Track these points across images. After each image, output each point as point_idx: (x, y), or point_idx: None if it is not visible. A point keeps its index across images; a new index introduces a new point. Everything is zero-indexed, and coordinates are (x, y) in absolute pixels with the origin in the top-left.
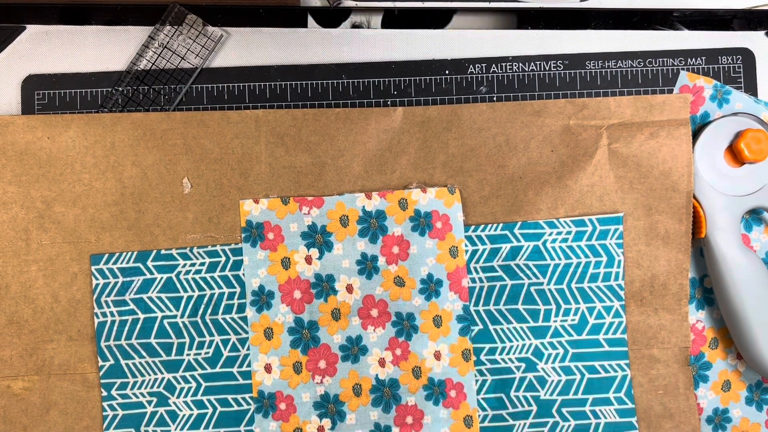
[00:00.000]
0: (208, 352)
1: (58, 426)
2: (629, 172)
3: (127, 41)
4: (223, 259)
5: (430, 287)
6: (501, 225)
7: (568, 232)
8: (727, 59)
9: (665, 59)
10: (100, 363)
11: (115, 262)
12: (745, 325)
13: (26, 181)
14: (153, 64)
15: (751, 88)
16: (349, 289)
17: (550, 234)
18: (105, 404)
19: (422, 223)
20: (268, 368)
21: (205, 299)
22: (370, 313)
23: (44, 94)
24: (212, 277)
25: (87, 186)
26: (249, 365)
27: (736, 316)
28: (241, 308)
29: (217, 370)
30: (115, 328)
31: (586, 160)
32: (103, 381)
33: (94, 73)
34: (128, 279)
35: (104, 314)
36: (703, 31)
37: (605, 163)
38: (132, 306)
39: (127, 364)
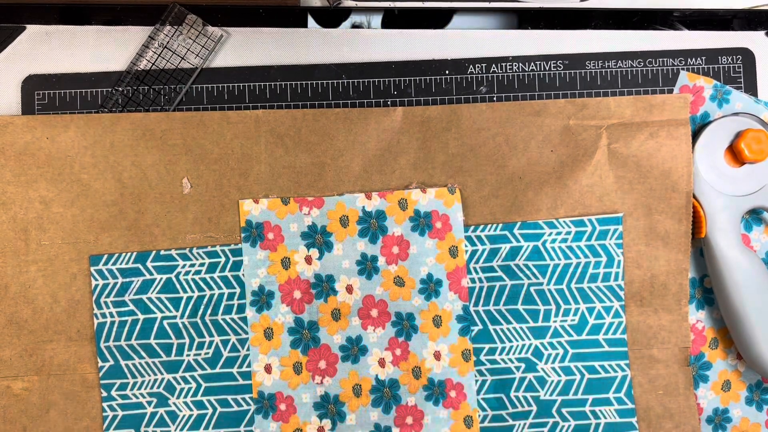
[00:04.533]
0: (207, 353)
1: (58, 426)
2: (629, 172)
3: (127, 41)
4: (223, 259)
5: (430, 287)
6: (501, 225)
7: (568, 233)
8: (727, 59)
9: (665, 59)
10: (100, 364)
11: (114, 263)
12: (745, 325)
13: (25, 181)
14: (153, 64)
15: (751, 88)
16: (349, 289)
17: (550, 234)
18: (105, 405)
19: (422, 223)
20: (268, 369)
21: (205, 300)
22: (369, 313)
23: (44, 94)
24: (212, 278)
25: (86, 186)
26: (249, 366)
27: (736, 316)
28: (241, 308)
29: (217, 370)
30: (114, 329)
31: (585, 160)
32: (102, 381)
33: (94, 73)
34: (127, 280)
35: (104, 315)
36: (703, 31)
37: (605, 163)
38: (131, 307)
39: (126, 365)
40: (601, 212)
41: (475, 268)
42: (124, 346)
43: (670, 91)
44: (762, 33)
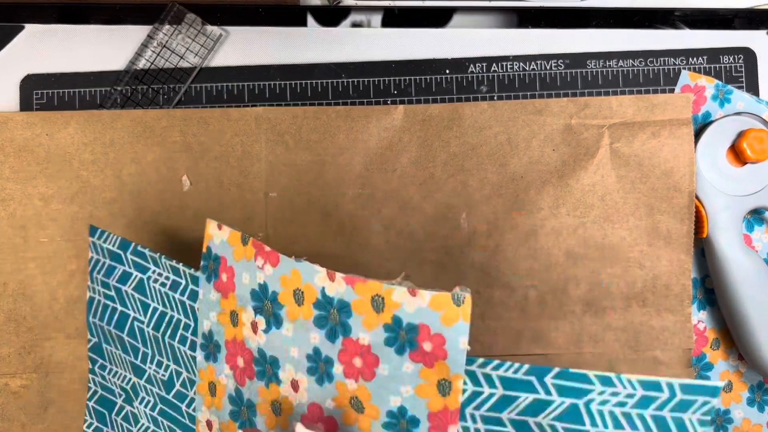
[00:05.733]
0: (164, 375)
1: (56, 424)
2: (631, 172)
3: (126, 40)
4: (183, 282)
5: (401, 425)
6: (527, 368)
7: (629, 395)
8: (729, 58)
9: (666, 58)
10: (88, 336)
11: (105, 241)
12: (747, 325)
13: (24, 178)
14: (152, 63)
15: (753, 88)
16: (295, 385)
17: (602, 393)
18: (90, 376)
19: (402, 337)
20: (209, 425)
21: (167, 318)
22: (315, 426)
23: (43, 93)
24: (174, 298)
25: (85, 183)
26: (195, 411)
27: (737, 316)
28: (193, 346)
29: (170, 398)
30: (100, 309)
31: (587, 160)
32: (90, 354)
33: (93, 72)
34: (113, 264)
35: (93, 290)
36: (705, 30)
37: (607, 162)
38: (113, 293)
39: (106, 349)
40: (603, 212)
41: (473, 416)
42: (105, 329)
43: (671, 91)
44: (764, 32)
